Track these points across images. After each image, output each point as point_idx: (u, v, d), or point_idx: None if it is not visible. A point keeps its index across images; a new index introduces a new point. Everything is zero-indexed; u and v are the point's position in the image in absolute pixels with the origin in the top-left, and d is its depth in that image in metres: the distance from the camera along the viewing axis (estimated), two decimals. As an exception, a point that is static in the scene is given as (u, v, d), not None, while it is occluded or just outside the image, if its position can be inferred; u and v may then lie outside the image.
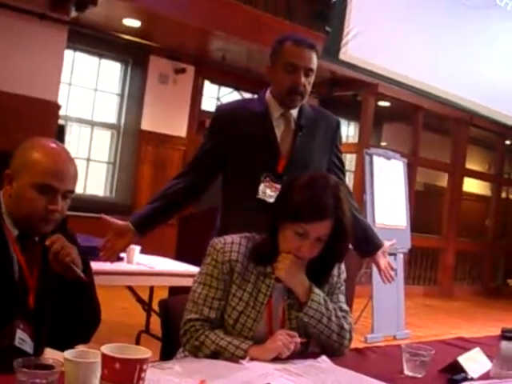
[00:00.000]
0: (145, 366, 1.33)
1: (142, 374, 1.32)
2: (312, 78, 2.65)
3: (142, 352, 1.36)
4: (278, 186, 2.59)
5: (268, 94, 2.72)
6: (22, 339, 1.81)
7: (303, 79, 2.60)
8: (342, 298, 2.13)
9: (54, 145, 1.92)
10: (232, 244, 2.02)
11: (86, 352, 1.40)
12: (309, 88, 2.65)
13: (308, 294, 1.98)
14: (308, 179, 2.01)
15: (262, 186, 2.63)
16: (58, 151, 1.90)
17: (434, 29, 8.22)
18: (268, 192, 2.63)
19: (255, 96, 2.87)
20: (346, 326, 2.05)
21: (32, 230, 1.89)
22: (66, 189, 1.88)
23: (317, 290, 2.00)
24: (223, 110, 2.84)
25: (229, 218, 2.70)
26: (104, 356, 1.31)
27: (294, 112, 2.70)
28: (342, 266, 2.16)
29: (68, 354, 1.37)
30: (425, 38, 8.15)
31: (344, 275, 2.16)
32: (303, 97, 2.65)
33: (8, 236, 1.86)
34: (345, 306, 2.10)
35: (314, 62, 2.63)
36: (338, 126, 2.82)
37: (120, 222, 2.68)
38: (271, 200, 2.57)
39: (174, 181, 2.77)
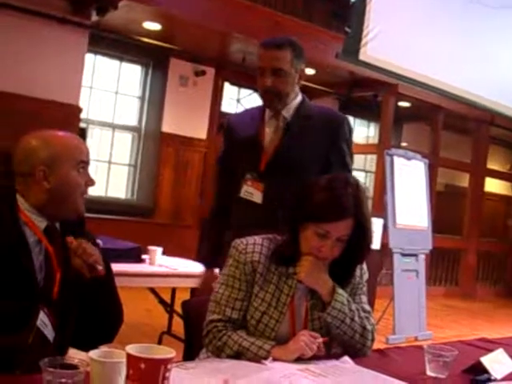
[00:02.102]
0: (169, 366, 1.34)
1: (167, 374, 1.33)
2: (287, 77, 2.66)
3: (167, 352, 1.37)
4: (261, 185, 2.69)
5: None
6: (44, 322, 1.85)
7: (270, 80, 2.65)
8: (365, 298, 2.13)
9: (58, 131, 2.03)
10: (254, 245, 2.03)
11: (111, 352, 1.42)
12: (284, 87, 2.67)
13: (331, 295, 1.99)
14: (328, 180, 2.01)
15: (244, 186, 2.71)
16: (67, 133, 2.05)
17: (454, 28, 8.17)
18: (251, 191, 2.70)
19: None
20: (369, 327, 2.05)
21: (75, 211, 1.98)
22: (89, 160, 2.03)
23: (340, 291, 2.01)
24: (230, 118, 3.06)
25: (231, 217, 2.84)
26: (129, 356, 1.33)
27: (288, 112, 2.74)
28: (364, 266, 2.16)
29: (93, 353, 1.39)
30: (445, 37, 8.10)
31: (366, 276, 2.16)
32: (279, 96, 2.68)
33: (35, 231, 1.90)
34: (367, 307, 2.11)
35: (283, 60, 2.64)
36: (339, 125, 2.78)
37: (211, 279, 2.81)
38: (255, 199, 2.69)
39: (215, 202, 2.97)
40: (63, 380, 1.31)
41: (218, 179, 3.01)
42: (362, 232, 1.98)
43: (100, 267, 1.90)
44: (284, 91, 2.69)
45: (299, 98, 2.80)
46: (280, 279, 2.02)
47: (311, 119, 2.76)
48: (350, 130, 2.84)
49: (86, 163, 2.00)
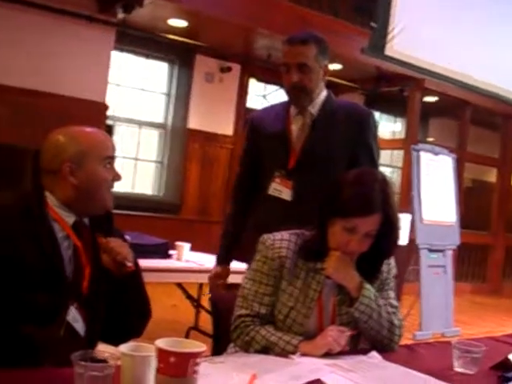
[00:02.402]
0: (198, 360, 1.35)
1: (196, 368, 1.35)
2: (313, 73, 2.67)
3: (196, 346, 1.38)
4: (290, 183, 2.69)
5: None
6: (75, 317, 1.88)
7: (297, 76, 2.65)
8: (392, 294, 2.13)
9: (84, 127, 2.06)
10: (281, 240, 2.04)
11: (141, 346, 1.44)
12: (311, 82, 2.68)
13: (359, 290, 1.99)
14: (356, 175, 2.03)
15: (273, 183, 2.74)
16: (93, 129, 2.06)
17: (482, 21, 8.09)
18: (279, 188, 2.71)
19: None
20: (396, 322, 2.05)
21: (102, 206, 2.00)
22: (115, 155, 2.05)
23: (368, 286, 2.01)
24: (253, 116, 3.00)
25: (253, 216, 2.89)
26: (159, 350, 1.34)
27: (314, 108, 2.75)
28: (392, 261, 2.16)
29: (124, 347, 1.41)
30: (473, 30, 8.02)
31: (394, 271, 2.16)
32: (305, 92, 2.69)
33: (62, 226, 1.93)
34: (395, 302, 2.10)
35: (308, 56, 2.65)
36: (365, 120, 2.78)
37: (225, 276, 3.02)
38: (283, 196, 2.70)
39: (233, 197, 3.02)
40: (94, 373, 1.34)
41: (240, 180, 3.00)
42: (389, 227, 1.98)
43: (129, 263, 1.93)
44: (310, 87, 2.69)
45: (324, 93, 2.80)
46: (308, 274, 2.03)
47: (337, 115, 2.75)
48: (376, 125, 2.84)
49: (112, 158, 2.02)
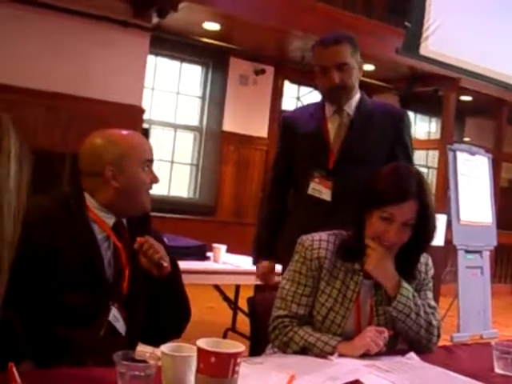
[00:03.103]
0: (239, 360, 1.37)
1: (236, 368, 1.36)
2: (352, 70, 2.72)
3: (236, 346, 1.40)
4: (329, 183, 2.73)
5: None
6: (116, 317, 1.91)
7: (337, 76, 2.69)
8: (430, 294, 2.12)
9: (122, 130, 2.08)
10: (320, 241, 2.05)
11: (181, 346, 1.45)
12: (350, 80, 2.73)
13: (397, 288, 1.99)
14: (391, 168, 2.06)
15: (312, 183, 2.75)
16: (132, 132, 2.10)
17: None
18: (319, 188, 2.74)
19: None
20: (435, 323, 2.04)
21: (141, 208, 2.04)
22: (153, 158, 2.08)
23: (406, 285, 2.01)
24: (286, 116, 3.04)
25: (291, 216, 2.91)
26: (200, 350, 1.36)
27: (350, 108, 2.79)
28: (430, 262, 2.15)
29: (165, 347, 1.43)
30: (507, 28, 7.93)
31: (432, 272, 2.15)
32: (347, 90, 2.74)
33: (103, 227, 1.96)
34: (433, 303, 2.10)
35: (345, 54, 2.69)
36: (401, 119, 2.84)
37: (272, 272, 3.05)
38: (323, 196, 2.74)
39: (268, 197, 3.04)
40: (136, 373, 1.37)
41: (276, 181, 3.02)
42: (425, 218, 1.97)
43: (165, 263, 1.95)
44: (350, 84, 2.74)
45: (358, 94, 2.84)
46: (346, 275, 2.03)
47: (374, 115, 2.80)
48: (410, 124, 2.90)
49: (150, 161, 2.05)
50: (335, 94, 2.75)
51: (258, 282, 3.28)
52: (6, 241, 0.71)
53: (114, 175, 1.97)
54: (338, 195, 2.72)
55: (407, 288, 2.01)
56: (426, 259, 2.15)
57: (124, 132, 2.07)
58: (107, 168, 1.96)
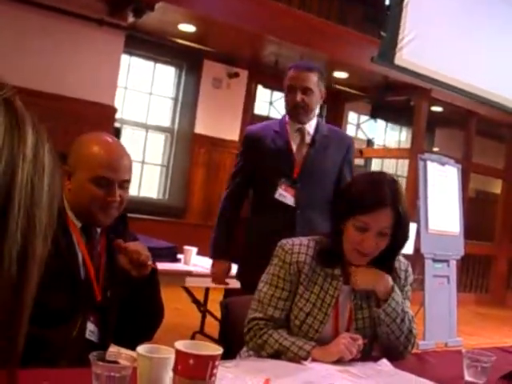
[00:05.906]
0: (217, 363, 1.36)
1: (214, 370, 1.36)
2: (314, 95, 3.15)
3: (214, 349, 1.40)
4: (293, 190, 3.12)
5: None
6: (92, 331, 1.89)
7: (300, 97, 3.12)
8: (408, 303, 2.13)
9: (107, 138, 2.02)
10: (300, 246, 2.05)
11: (158, 348, 1.44)
12: (311, 103, 3.16)
13: (390, 293, 2.00)
14: (365, 175, 2.13)
15: (279, 189, 3.12)
16: (110, 144, 2.00)
17: (490, 33, 8.10)
18: (284, 194, 3.12)
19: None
20: (414, 331, 2.08)
21: (94, 221, 1.97)
22: (121, 178, 1.97)
23: (398, 290, 2.03)
24: (250, 132, 3.38)
25: (252, 222, 3.26)
26: (178, 352, 1.35)
27: (310, 128, 3.22)
28: (410, 269, 2.17)
29: (141, 349, 1.42)
30: (481, 42, 8.03)
31: (411, 278, 2.17)
32: (307, 111, 3.16)
33: (72, 229, 1.94)
34: (411, 312, 2.11)
35: (311, 81, 3.13)
36: (351, 143, 3.35)
37: (225, 273, 3.39)
38: (287, 201, 3.11)
39: (226, 203, 3.40)
40: (111, 373, 1.35)
41: (233, 192, 3.37)
42: (400, 226, 1.97)
43: (150, 262, 1.94)
44: (311, 107, 3.17)
45: (317, 118, 3.29)
46: (325, 280, 2.04)
47: (328, 136, 3.25)
48: (354, 148, 3.52)
49: (108, 181, 1.93)
50: (297, 112, 3.16)
51: (228, 286, 3.55)
52: (37, 260, 0.69)
53: (69, 176, 1.95)
54: (300, 202, 3.11)
55: (398, 294, 2.02)
56: (406, 265, 2.17)
57: (108, 141, 2.00)
58: (66, 166, 1.95)
